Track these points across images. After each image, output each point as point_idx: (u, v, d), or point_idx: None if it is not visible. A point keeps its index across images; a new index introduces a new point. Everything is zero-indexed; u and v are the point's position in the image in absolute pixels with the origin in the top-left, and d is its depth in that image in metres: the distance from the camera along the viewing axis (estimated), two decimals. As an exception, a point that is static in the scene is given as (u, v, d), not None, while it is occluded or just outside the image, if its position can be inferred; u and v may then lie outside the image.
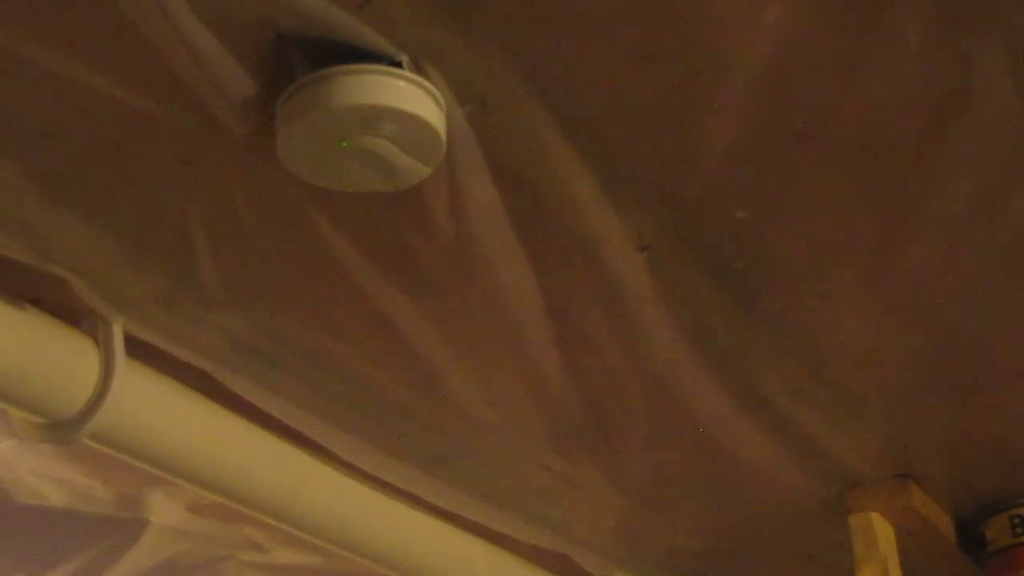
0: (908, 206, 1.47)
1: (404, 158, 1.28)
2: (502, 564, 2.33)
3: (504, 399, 1.84)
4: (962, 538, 2.25)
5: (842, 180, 1.43)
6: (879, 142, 1.38)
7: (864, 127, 1.35)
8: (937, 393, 1.87)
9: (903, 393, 1.86)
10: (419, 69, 1.24)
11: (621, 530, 2.29)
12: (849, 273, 1.59)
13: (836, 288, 1.62)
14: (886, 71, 1.28)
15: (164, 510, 2.26)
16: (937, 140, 1.37)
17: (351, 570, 2.37)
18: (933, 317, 1.69)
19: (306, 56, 1.21)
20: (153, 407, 1.70)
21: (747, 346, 1.72)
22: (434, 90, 1.25)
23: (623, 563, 2.41)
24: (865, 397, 1.86)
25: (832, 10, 1.21)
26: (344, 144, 1.26)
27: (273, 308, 1.62)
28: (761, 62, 1.26)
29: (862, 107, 1.33)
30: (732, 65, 1.26)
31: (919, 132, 1.36)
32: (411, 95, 1.23)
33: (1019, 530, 2.18)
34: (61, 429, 1.61)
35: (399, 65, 1.22)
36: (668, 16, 1.20)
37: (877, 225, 1.50)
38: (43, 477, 2.12)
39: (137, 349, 1.65)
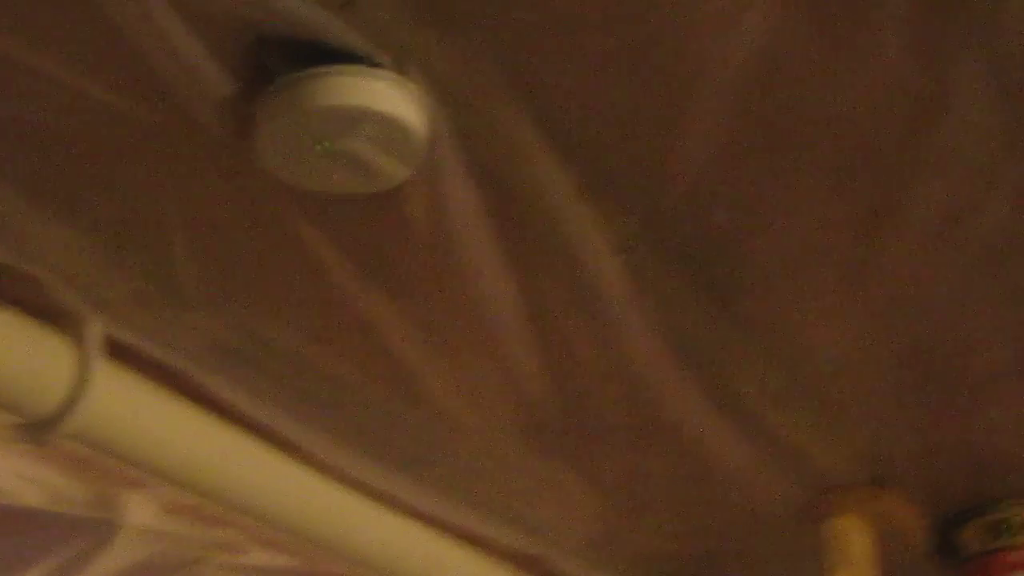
0: (885, 211, 1.48)
1: (384, 160, 1.28)
2: (480, 566, 2.33)
3: (483, 401, 1.84)
4: (937, 544, 2.26)
5: (820, 185, 1.44)
6: (857, 147, 1.38)
7: (842, 132, 1.36)
8: (913, 398, 1.88)
9: (879, 398, 1.87)
10: (400, 70, 1.23)
11: (598, 532, 2.30)
12: (826, 277, 1.60)
13: (813, 292, 1.62)
14: (864, 77, 1.29)
15: (139, 511, 2.24)
16: (914, 146, 1.38)
17: (329, 571, 2.37)
18: (909, 322, 1.69)
19: (286, 57, 1.21)
20: (130, 407, 1.69)
21: (725, 349, 1.73)
22: (414, 92, 1.25)
23: (600, 565, 2.42)
24: (842, 402, 1.87)
25: (811, 16, 1.22)
26: (323, 145, 1.25)
27: (252, 309, 1.61)
28: (740, 67, 1.26)
29: (840, 112, 1.33)
30: (711, 69, 1.27)
31: (896, 138, 1.37)
32: (391, 96, 1.23)
33: (993, 536, 2.19)
34: (36, 428, 1.61)
35: (379, 66, 1.22)
36: (648, 20, 1.21)
37: (854, 230, 1.51)
38: (17, 476, 2.11)
39: (115, 349, 1.64)
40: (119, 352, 1.65)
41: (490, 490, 2.10)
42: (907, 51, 1.25)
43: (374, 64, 1.22)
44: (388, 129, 1.24)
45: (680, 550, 2.38)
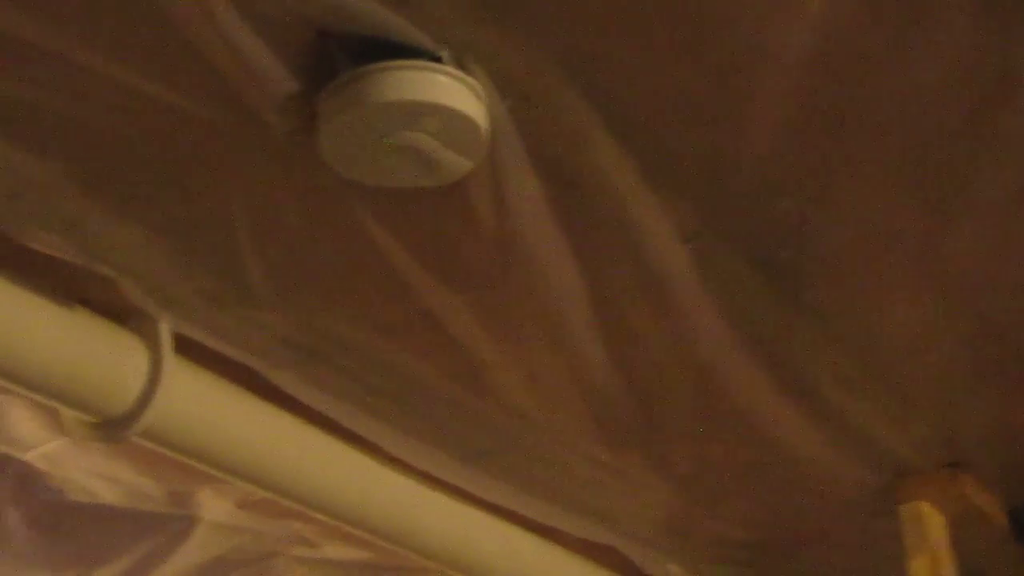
0: (954, 193, 1.46)
1: (446, 153, 1.28)
2: (550, 556, 2.33)
3: (549, 392, 1.84)
4: (1014, 527, 2.23)
5: (887, 167, 1.42)
6: (924, 128, 1.37)
7: (909, 114, 1.35)
8: (986, 381, 1.85)
9: (952, 381, 1.84)
10: (460, 64, 1.24)
11: (668, 521, 2.29)
12: (896, 261, 1.58)
13: (883, 276, 1.61)
14: (930, 58, 1.27)
15: (214, 506, 2.27)
16: (983, 125, 1.36)
17: (400, 564, 2.38)
18: (981, 304, 1.67)
19: (347, 53, 1.22)
20: (201, 404, 1.71)
21: (793, 336, 1.71)
22: (475, 85, 1.25)
23: (671, 554, 2.41)
24: (914, 386, 1.85)
25: (875, -3, 1.20)
26: (386, 140, 1.26)
27: (319, 305, 1.62)
28: (804, 51, 1.25)
29: (906, 94, 1.32)
30: (775, 54, 1.26)
31: (964, 118, 1.35)
32: (452, 90, 1.23)
33: (1072, 519, 2.17)
34: (111, 427, 1.63)
35: (440, 60, 1.22)
36: (710, 7, 1.20)
37: (923, 212, 1.49)
38: (94, 475, 2.14)
39: (185, 347, 1.66)
40: (189, 350, 1.67)
41: (560, 480, 2.10)
42: (974, 30, 1.23)
43: (435, 58, 1.22)
44: (450, 122, 1.25)
45: (753, 537, 2.36)
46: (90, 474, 2.14)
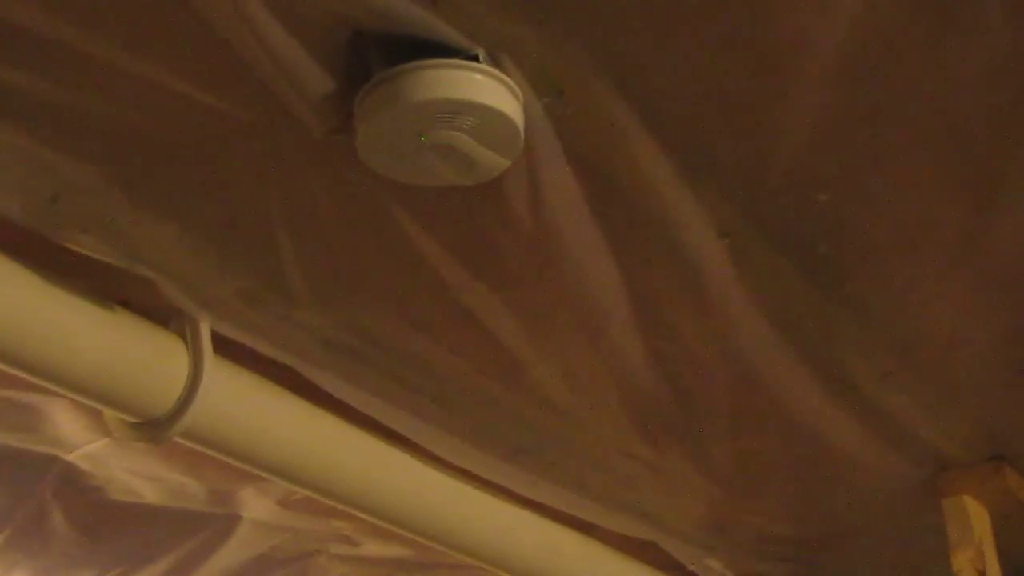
0: (994, 185, 1.45)
1: (483, 151, 1.28)
2: (591, 553, 2.33)
3: (588, 388, 1.84)
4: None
5: (926, 160, 1.41)
6: (963, 121, 1.35)
7: (947, 106, 1.33)
8: (1028, 373, 1.84)
9: (993, 375, 1.83)
10: (495, 62, 1.24)
11: (709, 517, 2.28)
12: (935, 254, 1.57)
13: (922, 269, 1.60)
14: (968, 49, 1.26)
15: (256, 505, 2.28)
16: (1020, 119, 1.35)
17: (440, 561, 2.39)
18: (1020, 297, 1.66)
19: (382, 52, 1.22)
20: (242, 404, 1.72)
21: (833, 330, 1.70)
22: (511, 83, 1.25)
23: (712, 550, 2.40)
24: (955, 379, 1.84)
25: (911, -11, 1.20)
26: (423, 139, 1.26)
27: (357, 304, 1.63)
28: (840, 44, 1.24)
29: (945, 86, 1.31)
30: (811, 47, 1.25)
31: (1003, 110, 1.34)
32: (488, 88, 1.23)
33: (1117, 512, 2.14)
34: (153, 427, 1.64)
35: (475, 59, 1.22)
36: (747, 2, 1.20)
37: (963, 205, 1.48)
38: (137, 475, 2.15)
39: (225, 347, 1.67)
40: (228, 349, 1.68)
41: (600, 477, 2.10)
42: (1011, 21, 1.22)
43: (470, 56, 1.22)
44: (486, 120, 1.25)
45: (795, 533, 2.36)
46: (133, 474, 2.16)
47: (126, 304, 1.59)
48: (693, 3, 1.20)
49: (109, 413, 1.67)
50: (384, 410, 1.84)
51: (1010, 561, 2.10)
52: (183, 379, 1.61)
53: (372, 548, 2.45)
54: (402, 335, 1.69)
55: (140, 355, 1.60)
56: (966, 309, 1.68)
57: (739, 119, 1.34)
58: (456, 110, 1.23)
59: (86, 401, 1.62)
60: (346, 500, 1.90)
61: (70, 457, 2.07)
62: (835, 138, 1.37)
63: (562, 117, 1.32)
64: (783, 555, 2.44)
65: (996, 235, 1.52)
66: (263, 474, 1.82)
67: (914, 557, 2.39)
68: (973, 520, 2.06)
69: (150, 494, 2.22)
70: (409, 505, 1.98)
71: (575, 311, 1.65)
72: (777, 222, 1.50)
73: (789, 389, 1.82)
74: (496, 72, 1.24)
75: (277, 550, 2.47)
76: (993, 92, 1.32)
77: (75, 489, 2.19)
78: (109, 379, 1.57)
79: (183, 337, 1.62)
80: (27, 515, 2.27)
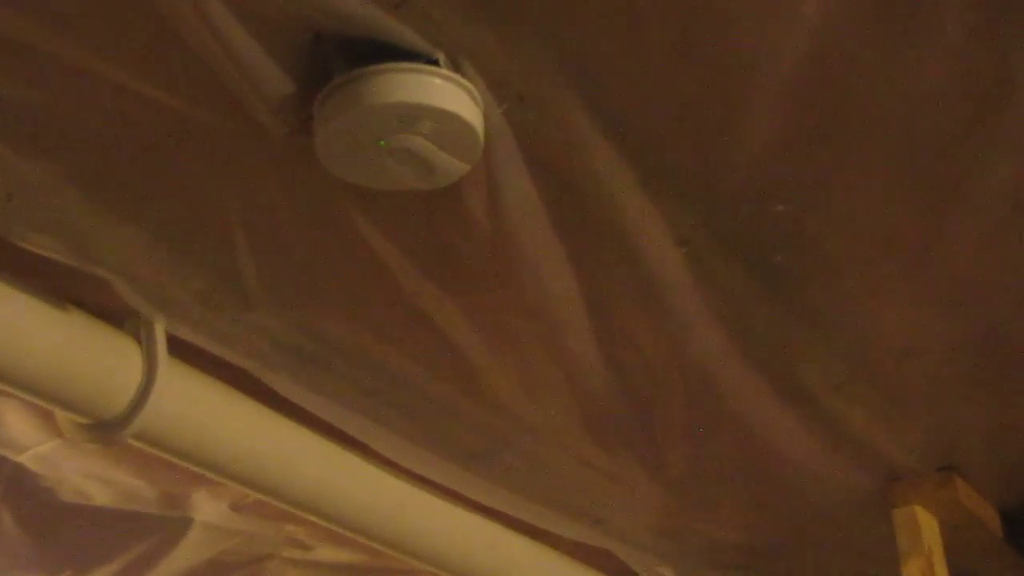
0: (950, 198, 1.46)
1: (442, 156, 1.28)
2: (545, 559, 2.33)
3: (544, 394, 1.84)
4: (1008, 531, 2.23)
5: (883, 172, 1.43)
6: (920, 133, 1.37)
7: (904, 118, 1.35)
8: (980, 385, 1.85)
9: (946, 386, 1.85)
10: (456, 67, 1.24)
11: (663, 525, 2.29)
12: (890, 265, 1.58)
13: (877, 280, 1.61)
14: (926, 62, 1.27)
15: (208, 508, 2.27)
16: (979, 130, 1.36)
17: (394, 567, 2.38)
18: (975, 309, 1.67)
19: (343, 55, 1.22)
20: (196, 406, 1.71)
21: (788, 339, 1.71)
22: (471, 87, 1.25)
23: (666, 558, 2.41)
24: (907, 390, 1.85)
25: (870, 2, 1.20)
26: (382, 143, 1.26)
27: (313, 307, 1.62)
28: (799, 54, 1.25)
29: (902, 98, 1.32)
30: (769, 58, 1.26)
31: (960, 123, 1.35)
32: (448, 93, 1.23)
33: (1066, 523, 2.17)
34: (105, 429, 1.63)
35: (435, 63, 1.22)
36: (706, 10, 1.20)
37: (919, 217, 1.50)
38: (88, 476, 2.14)
39: (180, 349, 1.66)
40: (183, 351, 1.67)
41: (553, 483, 2.10)
42: (969, 34, 1.23)
43: (430, 61, 1.22)
44: (446, 125, 1.25)
45: (747, 541, 2.36)
46: (84, 475, 2.14)
47: (80, 304, 1.58)
48: (652, 12, 1.20)
49: (61, 414, 1.66)
50: (339, 414, 1.83)
51: (959, 572, 2.12)
52: (137, 380, 1.60)
53: (325, 553, 2.44)
54: (358, 339, 1.68)
55: (93, 355, 1.58)
56: (920, 320, 1.69)
57: (698, 128, 1.35)
58: (415, 114, 1.23)
59: (37, 401, 1.61)
60: (300, 504, 1.89)
61: (20, 458, 2.05)
62: (793, 149, 1.38)
63: (522, 123, 1.32)
64: (735, 563, 2.45)
65: (950, 247, 1.54)
66: (217, 477, 1.81)
67: (865, 566, 2.40)
68: (923, 530, 2.07)
69: (101, 496, 2.20)
70: (363, 510, 1.97)
71: (532, 317, 1.65)
72: (734, 231, 1.51)
73: (743, 398, 1.83)
74: (456, 77, 1.24)
75: (229, 554, 2.45)
76: (951, 104, 1.33)
77: (25, 490, 2.17)
78: (61, 379, 1.56)
79: (137, 338, 1.61)
80: (-25, 516, 2.25)
